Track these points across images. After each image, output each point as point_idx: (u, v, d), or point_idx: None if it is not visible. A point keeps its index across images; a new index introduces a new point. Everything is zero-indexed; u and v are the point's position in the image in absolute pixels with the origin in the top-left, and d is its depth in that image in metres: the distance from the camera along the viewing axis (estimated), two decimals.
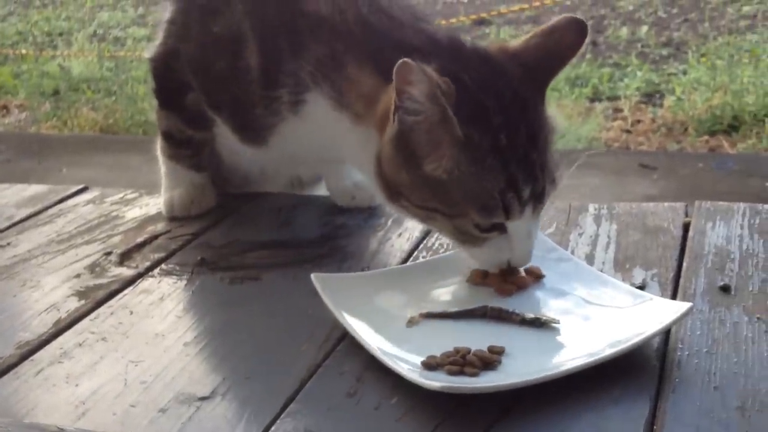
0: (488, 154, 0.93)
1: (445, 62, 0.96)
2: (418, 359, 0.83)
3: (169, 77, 1.22)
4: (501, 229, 0.95)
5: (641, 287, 0.96)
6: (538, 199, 0.95)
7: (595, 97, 4.27)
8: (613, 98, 4.24)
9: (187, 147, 1.25)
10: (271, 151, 1.17)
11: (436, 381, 0.79)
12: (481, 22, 6.00)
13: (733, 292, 0.96)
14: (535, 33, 1.01)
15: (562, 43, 0.99)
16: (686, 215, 1.16)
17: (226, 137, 1.20)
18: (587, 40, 0.99)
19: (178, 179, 1.25)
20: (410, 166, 0.95)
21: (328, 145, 1.10)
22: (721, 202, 1.18)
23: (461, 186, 0.93)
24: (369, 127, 1.01)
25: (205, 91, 1.18)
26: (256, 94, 1.10)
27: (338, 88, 1.04)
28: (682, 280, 0.99)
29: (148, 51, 1.24)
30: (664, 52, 4.92)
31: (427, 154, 0.93)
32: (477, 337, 0.87)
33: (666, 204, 1.19)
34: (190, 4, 1.18)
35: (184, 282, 1.06)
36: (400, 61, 0.90)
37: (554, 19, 1.00)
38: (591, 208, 1.19)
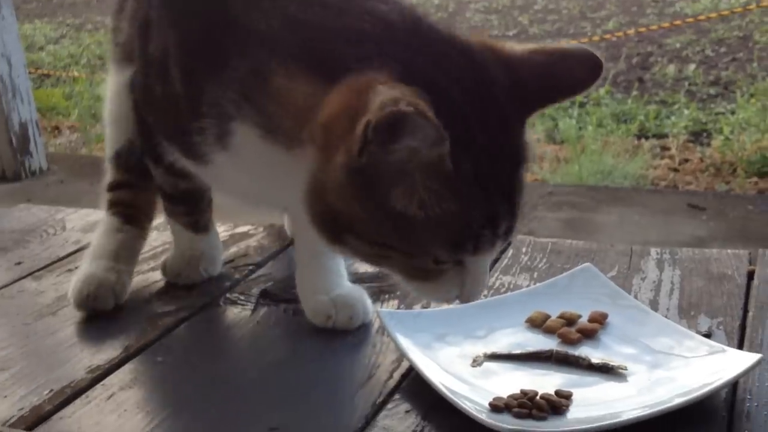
0: (470, 184, 0.77)
1: (407, 57, 0.78)
2: (484, 400, 0.84)
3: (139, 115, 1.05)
4: (459, 262, 0.82)
5: (707, 335, 0.96)
6: (509, 234, 0.82)
7: (641, 134, 4.26)
8: (660, 136, 4.22)
9: (181, 202, 1.10)
10: (219, 186, 1.05)
11: (505, 423, 0.79)
12: None
13: None
14: (543, 49, 0.84)
15: (572, 75, 0.83)
16: (750, 263, 1.15)
17: None
18: (600, 78, 0.83)
19: (177, 240, 1.15)
20: (369, 198, 0.77)
21: (266, 185, 0.92)
22: None
23: (433, 221, 0.77)
24: (307, 146, 0.81)
25: (155, 122, 1.01)
26: (189, 123, 0.92)
27: (265, 110, 0.85)
28: (748, 330, 0.98)
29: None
30: (712, 90, 4.89)
31: (396, 185, 0.76)
32: (543, 381, 0.87)
33: (729, 251, 1.19)
34: (133, 21, 1.03)
35: (249, 312, 1.08)
36: (388, 110, 0.70)
37: (569, 45, 0.85)
38: (653, 252, 1.19)
